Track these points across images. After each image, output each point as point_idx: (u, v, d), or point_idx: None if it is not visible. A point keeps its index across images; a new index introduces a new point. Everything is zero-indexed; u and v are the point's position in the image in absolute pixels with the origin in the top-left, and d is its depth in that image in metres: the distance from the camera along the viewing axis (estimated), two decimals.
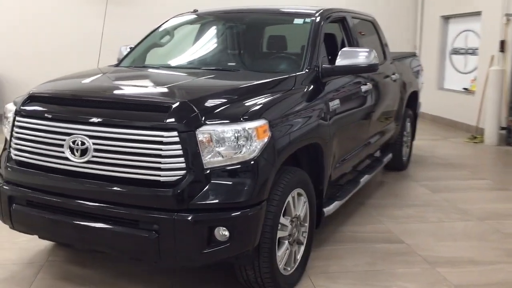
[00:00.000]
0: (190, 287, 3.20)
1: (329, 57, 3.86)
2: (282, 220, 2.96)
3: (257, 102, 2.84)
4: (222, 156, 2.62)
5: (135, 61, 4.04)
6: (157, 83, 3.36)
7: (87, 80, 3.25)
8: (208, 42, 4.22)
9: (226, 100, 2.79)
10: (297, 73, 3.39)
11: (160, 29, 4.31)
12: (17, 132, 2.97)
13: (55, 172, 2.81)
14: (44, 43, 9.06)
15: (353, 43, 4.32)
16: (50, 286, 3.18)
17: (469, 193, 5.24)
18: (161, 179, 2.58)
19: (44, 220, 2.85)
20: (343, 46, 4.27)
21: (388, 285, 3.24)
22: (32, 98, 3.00)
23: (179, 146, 2.56)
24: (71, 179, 2.76)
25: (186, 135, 2.57)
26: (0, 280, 3.24)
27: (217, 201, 2.60)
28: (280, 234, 2.95)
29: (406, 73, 5.80)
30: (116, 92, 2.94)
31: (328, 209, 3.71)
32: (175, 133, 2.56)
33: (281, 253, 3.01)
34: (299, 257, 3.27)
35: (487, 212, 4.61)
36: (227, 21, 4.30)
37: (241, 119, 2.66)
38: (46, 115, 2.87)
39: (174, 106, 2.62)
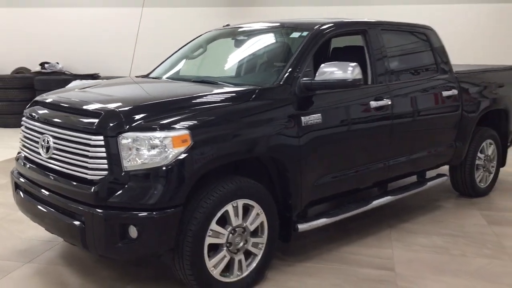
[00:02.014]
0: None
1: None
2: (215, 227, 3.08)
3: (185, 113, 3.03)
4: (140, 161, 2.88)
5: (158, 72, 4.46)
6: (125, 93, 3.75)
7: (77, 90, 3.78)
8: (212, 56, 4.47)
9: (155, 111, 3.03)
10: (261, 87, 3.45)
11: (190, 43, 4.68)
12: (22, 130, 3.61)
13: (35, 165, 3.37)
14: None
15: (372, 56, 4.13)
16: (47, 261, 3.78)
17: None
18: (88, 177, 2.95)
19: (29, 204, 3.44)
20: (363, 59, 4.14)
21: None
22: (34, 103, 3.63)
23: (103, 149, 2.90)
24: (42, 172, 3.29)
25: (110, 140, 2.89)
26: (16, 250, 3.96)
27: (130, 201, 2.87)
28: (211, 240, 3.08)
29: (482, 89, 5.22)
30: (76, 99, 3.38)
31: (309, 225, 3.67)
32: (101, 137, 2.90)
33: (216, 259, 3.13)
34: (250, 267, 3.33)
35: None
36: (233, 36, 4.47)
37: (160, 128, 2.89)
38: (34, 116, 3.45)
39: (103, 113, 2.97)
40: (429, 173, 5.07)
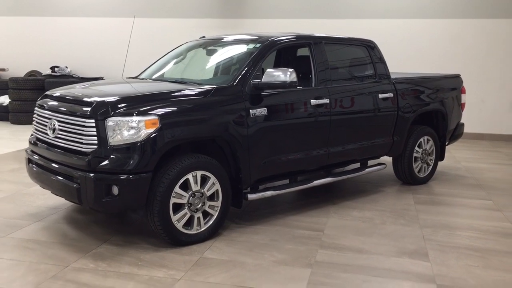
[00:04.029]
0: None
1: (300, 75, 4.76)
2: (178, 190, 4.08)
3: (157, 104, 4.05)
4: (121, 138, 3.90)
5: (146, 74, 5.50)
6: (114, 89, 4.79)
7: (78, 86, 4.83)
8: (189, 62, 5.51)
9: (134, 101, 4.06)
10: (217, 86, 4.48)
11: (173, 51, 5.73)
12: (34, 118, 4.66)
13: (43, 143, 4.41)
14: None
15: (315, 64, 5.14)
16: (52, 221, 4.81)
17: (452, 209, 5.48)
18: (83, 149, 3.97)
19: (39, 174, 4.47)
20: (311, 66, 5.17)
21: (263, 253, 4.11)
22: (44, 96, 4.68)
23: (94, 129, 3.93)
24: (49, 148, 4.32)
25: (99, 122, 3.92)
26: (27, 214, 5.00)
27: (113, 167, 3.89)
28: (175, 200, 4.08)
29: (418, 93, 6.22)
30: (77, 93, 4.42)
31: (257, 196, 4.68)
32: (93, 120, 3.93)
33: (179, 215, 4.13)
34: (207, 224, 4.33)
35: (438, 223, 4.93)
36: (206, 46, 5.53)
37: (136, 114, 3.92)
38: (44, 106, 4.50)
39: (95, 103, 4.01)
40: (373, 162, 6.08)
